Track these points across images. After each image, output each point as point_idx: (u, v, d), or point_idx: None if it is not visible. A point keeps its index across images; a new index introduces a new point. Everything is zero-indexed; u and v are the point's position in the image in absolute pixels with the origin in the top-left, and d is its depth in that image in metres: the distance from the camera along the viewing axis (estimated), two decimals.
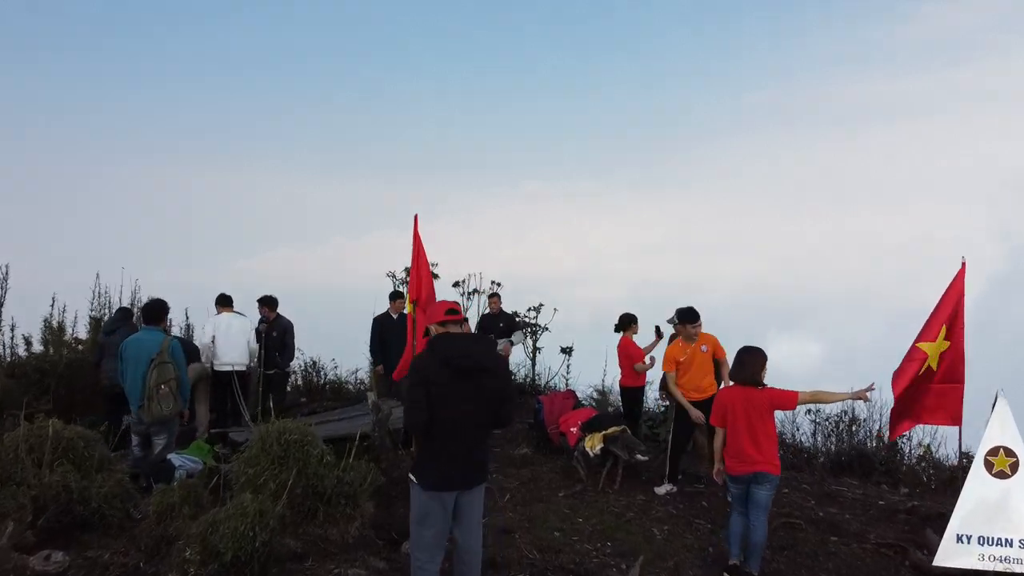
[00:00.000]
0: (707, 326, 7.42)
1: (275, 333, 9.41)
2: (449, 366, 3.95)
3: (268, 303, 9.57)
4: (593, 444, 7.33)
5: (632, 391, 8.66)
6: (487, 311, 11.25)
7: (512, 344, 10.47)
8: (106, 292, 11.93)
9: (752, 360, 5.41)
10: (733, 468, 5.41)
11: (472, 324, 11.68)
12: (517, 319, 11.86)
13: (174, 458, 6.38)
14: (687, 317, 7.26)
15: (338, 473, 5.39)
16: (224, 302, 9.25)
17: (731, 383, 5.60)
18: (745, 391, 5.35)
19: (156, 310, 6.85)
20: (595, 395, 11.55)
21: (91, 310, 11.76)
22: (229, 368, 8.80)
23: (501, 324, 10.64)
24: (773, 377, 5.50)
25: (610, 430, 7.37)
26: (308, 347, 12.00)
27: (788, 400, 5.37)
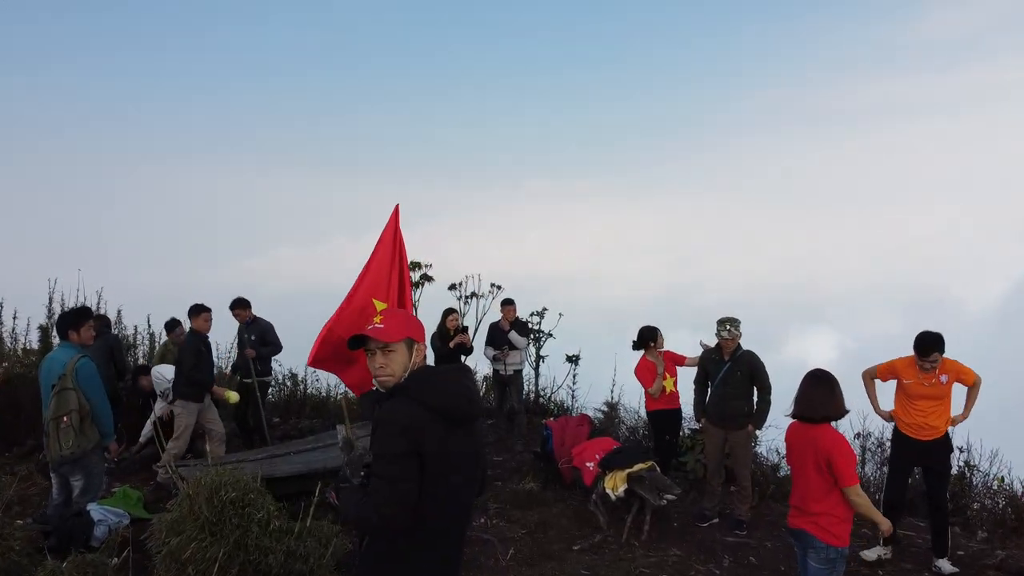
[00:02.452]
0: (698, 325, 6.36)
1: (253, 336, 8.51)
2: (446, 418, 2.39)
3: (241, 305, 8.61)
4: (615, 485, 6.05)
5: (659, 416, 7.38)
6: (497, 320, 9.65)
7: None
8: (63, 298, 10.87)
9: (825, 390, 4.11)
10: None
11: (471, 333, 10.40)
12: (529, 326, 10.54)
13: (94, 510, 5.09)
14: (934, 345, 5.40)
15: (289, 543, 4.10)
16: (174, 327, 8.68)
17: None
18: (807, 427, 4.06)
19: (66, 320, 5.55)
20: (604, 408, 10.32)
21: (47, 317, 10.66)
22: None
23: (510, 331, 9.22)
24: (786, 375, 4.23)
25: (635, 467, 6.09)
26: (299, 353, 10.91)
27: (848, 474, 3.90)
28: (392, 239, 5.93)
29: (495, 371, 9.28)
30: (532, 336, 11.10)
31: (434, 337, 8.78)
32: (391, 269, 5.90)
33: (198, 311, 7.48)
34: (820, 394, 4.02)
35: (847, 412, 4.12)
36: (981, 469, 7.56)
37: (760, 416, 6.47)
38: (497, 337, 9.17)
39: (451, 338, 8.77)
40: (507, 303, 9.47)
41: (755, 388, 6.48)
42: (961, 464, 7.60)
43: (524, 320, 9.95)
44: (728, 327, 6.44)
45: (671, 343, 7.54)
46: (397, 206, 6.05)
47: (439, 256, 11.16)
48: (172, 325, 8.86)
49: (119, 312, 10.77)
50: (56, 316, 10.24)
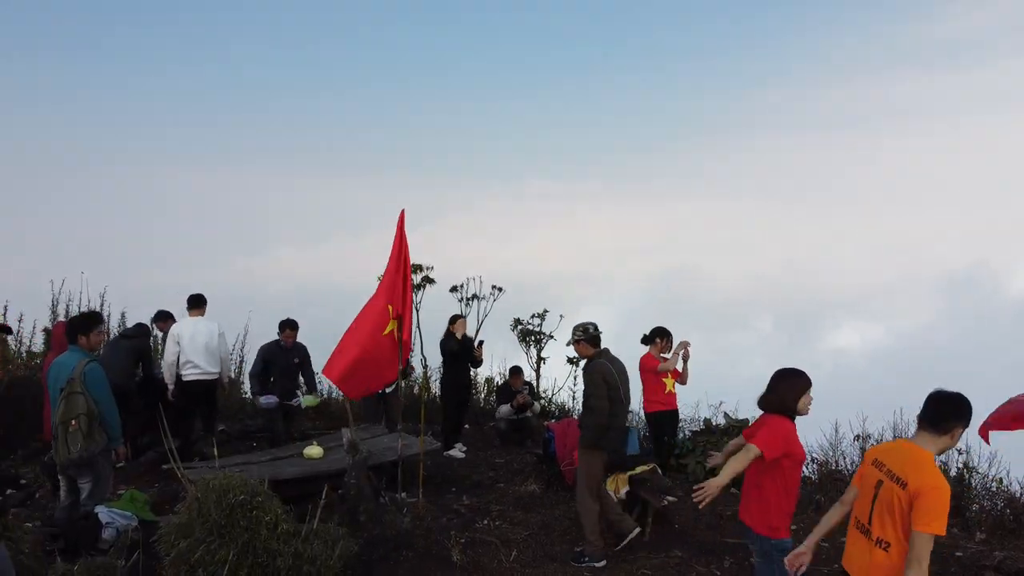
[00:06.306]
0: (708, 326, 6.34)
1: (296, 360, 8.50)
2: None
3: (291, 326, 8.52)
4: (617, 487, 6.12)
5: (656, 417, 7.45)
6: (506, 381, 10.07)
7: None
8: (69, 301, 10.90)
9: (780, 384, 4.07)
10: None
11: (471, 329, 10.58)
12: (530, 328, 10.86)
13: (102, 513, 5.14)
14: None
15: (296, 545, 4.15)
16: (197, 304, 8.16)
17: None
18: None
19: (76, 325, 5.61)
20: None
21: (51, 320, 10.70)
22: (197, 376, 7.80)
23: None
24: (822, 372, 4.16)
25: (637, 470, 6.17)
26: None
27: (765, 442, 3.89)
28: (398, 245, 6.08)
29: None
30: (533, 338, 11.27)
31: (443, 341, 8.88)
32: (396, 275, 6.08)
33: None
34: (779, 388, 4.03)
35: (799, 414, 4.03)
36: (980, 471, 7.61)
37: (583, 434, 5.70)
38: (508, 394, 9.53)
39: (461, 343, 8.78)
40: (515, 372, 9.82)
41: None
42: (960, 466, 7.67)
43: (529, 385, 10.17)
44: (572, 334, 5.85)
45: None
46: (403, 212, 6.15)
47: (440, 257, 11.24)
48: (163, 317, 8.99)
49: (123, 314, 10.81)
50: (62, 319, 10.34)
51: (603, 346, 5.78)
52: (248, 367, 9.29)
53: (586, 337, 5.68)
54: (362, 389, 6.38)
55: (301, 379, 8.54)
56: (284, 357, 8.41)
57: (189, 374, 7.80)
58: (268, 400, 7.84)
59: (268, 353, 8.37)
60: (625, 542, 5.83)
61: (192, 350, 7.79)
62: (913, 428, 4.02)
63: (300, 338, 8.56)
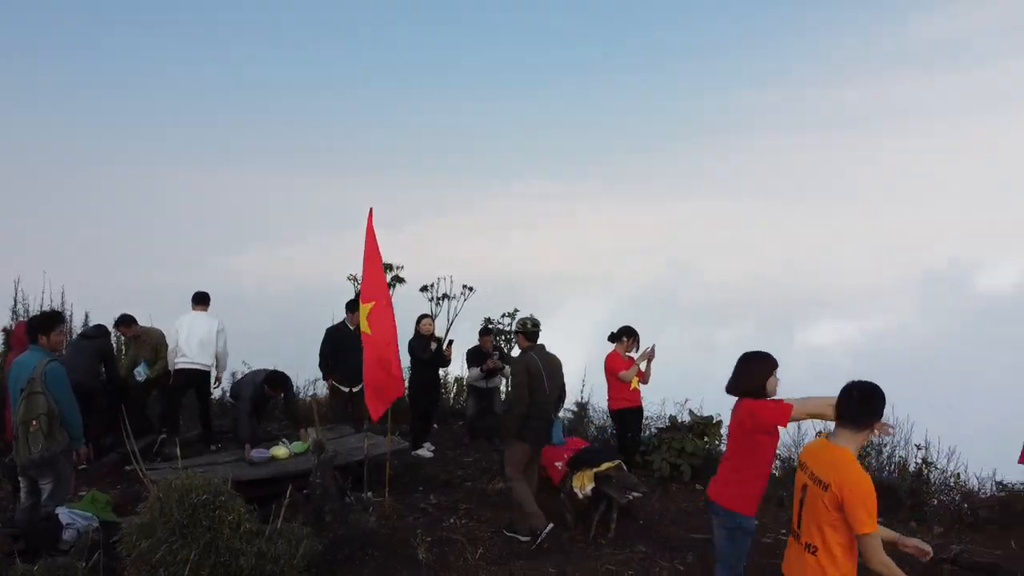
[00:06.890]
0: (708, 325, 6.51)
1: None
2: None
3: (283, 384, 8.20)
4: (582, 483, 6.17)
5: (621, 415, 7.53)
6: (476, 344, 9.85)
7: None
8: (25, 300, 10.70)
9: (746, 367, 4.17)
10: None
11: (440, 329, 10.58)
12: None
13: (63, 513, 5.08)
14: None
15: (260, 545, 4.15)
16: (200, 300, 8.68)
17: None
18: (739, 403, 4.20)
19: (36, 324, 5.54)
20: (573, 408, 10.45)
21: (12, 319, 10.49)
22: (184, 364, 8.31)
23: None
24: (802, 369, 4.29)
25: (603, 467, 6.22)
26: (276, 355, 10.84)
27: (775, 413, 3.92)
28: (371, 243, 6.20)
29: (472, 386, 9.46)
30: (503, 337, 11.29)
31: (411, 342, 8.76)
32: (371, 269, 6.20)
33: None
34: (745, 371, 4.14)
35: (767, 395, 4.09)
36: (938, 466, 7.79)
37: (505, 423, 6.15)
38: (479, 357, 9.36)
39: (429, 343, 8.72)
40: (485, 332, 9.75)
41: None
42: (919, 461, 7.85)
43: (500, 350, 10.14)
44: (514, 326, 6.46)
45: (668, 341, 7.76)
46: (371, 210, 6.21)
47: (439, 257, 11.26)
48: (127, 321, 8.73)
49: (86, 315, 10.62)
50: (22, 319, 10.16)
51: (540, 342, 6.17)
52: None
53: (523, 331, 6.13)
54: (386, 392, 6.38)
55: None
56: (269, 401, 8.56)
57: (179, 362, 8.28)
58: (261, 455, 7.71)
59: (258, 399, 8.10)
60: (541, 538, 5.90)
61: (186, 342, 8.29)
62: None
63: (299, 345, 8.74)
